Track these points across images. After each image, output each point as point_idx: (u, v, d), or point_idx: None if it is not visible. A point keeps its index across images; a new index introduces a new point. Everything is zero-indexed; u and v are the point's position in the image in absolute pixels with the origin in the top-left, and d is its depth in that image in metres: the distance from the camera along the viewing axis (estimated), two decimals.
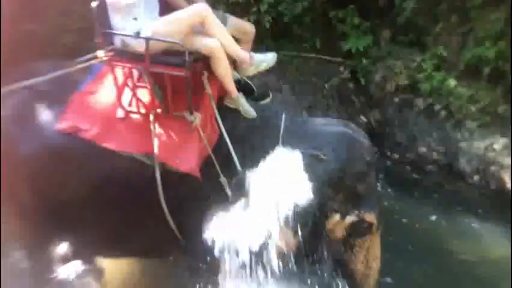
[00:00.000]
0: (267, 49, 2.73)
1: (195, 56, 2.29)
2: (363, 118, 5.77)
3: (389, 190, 4.79)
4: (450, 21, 5.34)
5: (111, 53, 2.28)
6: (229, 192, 2.29)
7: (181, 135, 2.39)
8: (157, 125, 2.38)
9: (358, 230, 2.27)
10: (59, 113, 2.37)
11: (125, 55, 2.31)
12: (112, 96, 2.42)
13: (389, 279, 3.37)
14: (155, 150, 2.31)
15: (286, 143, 2.33)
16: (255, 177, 2.11)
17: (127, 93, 2.42)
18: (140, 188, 2.36)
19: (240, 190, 2.07)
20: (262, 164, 2.18)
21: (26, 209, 2.41)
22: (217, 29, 2.32)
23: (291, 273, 2.19)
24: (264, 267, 2.08)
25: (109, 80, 2.43)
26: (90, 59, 2.27)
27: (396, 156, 5.48)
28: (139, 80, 2.45)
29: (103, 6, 2.24)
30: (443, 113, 5.28)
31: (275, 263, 2.08)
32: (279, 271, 2.11)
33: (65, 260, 2.57)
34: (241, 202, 2.11)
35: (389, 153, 5.50)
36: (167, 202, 2.36)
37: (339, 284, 2.31)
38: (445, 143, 5.24)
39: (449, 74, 5.22)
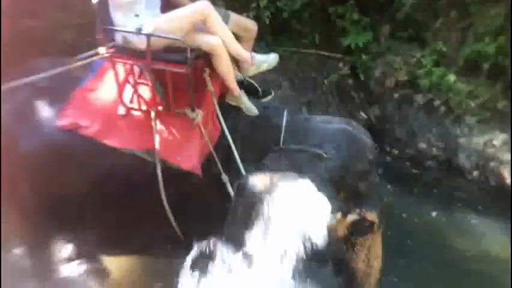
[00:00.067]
0: (267, 45, 2.72)
1: (197, 53, 2.28)
2: (362, 114, 5.77)
3: (389, 186, 4.79)
4: (449, 17, 5.34)
5: (112, 50, 2.27)
6: (230, 190, 2.29)
7: (182, 132, 2.38)
8: (158, 122, 2.37)
9: (359, 228, 2.26)
10: (59, 109, 2.35)
11: (127, 52, 2.30)
12: (113, 93, 2.40)
13: (388, 276, 3.37)
14: (157, 147, 2.31)
15: (288, 141, 2.32)
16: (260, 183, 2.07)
17: (128, 90, 2.41)
18: (141, 185, 2.35)
19: (243, 195, 2.05)
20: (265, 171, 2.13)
21: (25, 206, 2.40)
22: (219, 27, 2.30)
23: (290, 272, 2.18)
24: (263, 267, 2.08)
25: (110, 77, 2.41)
26: (91, 56, 2.26)
27: (396, 152, 5.49)
28: (140, 76, 2.43)
29: (104, 3, 2.23)
30: (443, 108, 5.29)
31: (275, 262, 2.07)
32: (279, 270, 2.10)
33: (66, 257, 2.55)
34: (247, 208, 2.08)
35: (388, 149, 5.50)
36: (168, 199, 2.35)
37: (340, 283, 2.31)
38: (445, 139, 5.25)
39: (449, 69, 5.22)
